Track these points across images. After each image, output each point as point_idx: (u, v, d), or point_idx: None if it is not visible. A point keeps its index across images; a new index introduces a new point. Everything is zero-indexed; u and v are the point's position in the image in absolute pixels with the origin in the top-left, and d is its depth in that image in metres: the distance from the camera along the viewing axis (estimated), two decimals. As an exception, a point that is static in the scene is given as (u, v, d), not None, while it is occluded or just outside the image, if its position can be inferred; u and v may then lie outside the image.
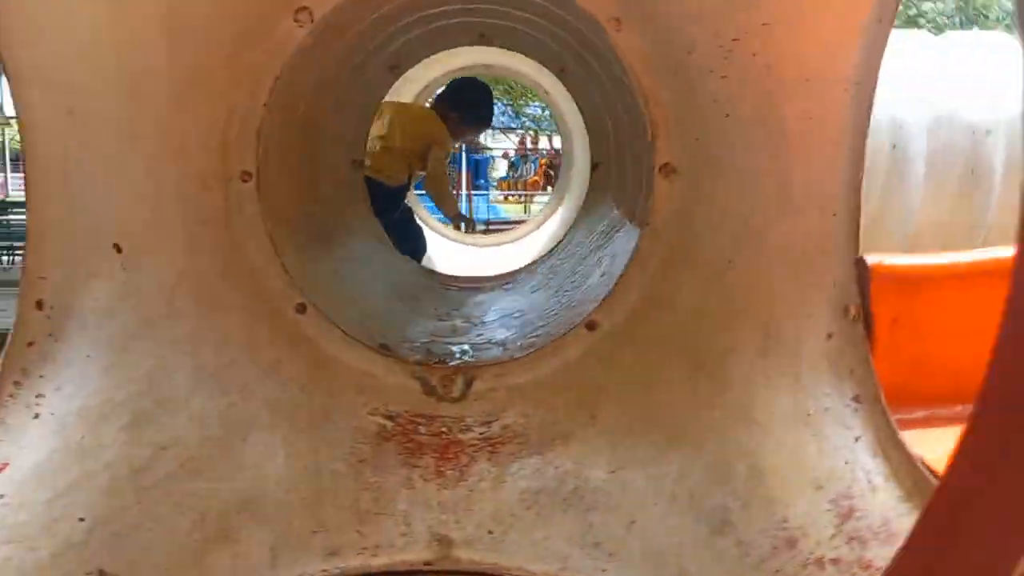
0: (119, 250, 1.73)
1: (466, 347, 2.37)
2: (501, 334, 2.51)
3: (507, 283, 3.42)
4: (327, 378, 1.93)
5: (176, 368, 1.73)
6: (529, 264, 3.55)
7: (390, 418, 1.91)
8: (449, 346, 2.42)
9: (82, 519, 1.50)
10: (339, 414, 1.87)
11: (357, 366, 2.00)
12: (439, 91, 4.70)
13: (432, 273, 3.56)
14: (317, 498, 1.77)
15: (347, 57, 2.71)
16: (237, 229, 1.95)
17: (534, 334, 2.42)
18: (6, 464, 1.49)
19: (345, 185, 3.28)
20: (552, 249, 3.54)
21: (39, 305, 1.65)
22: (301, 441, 1.79)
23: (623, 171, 3.00)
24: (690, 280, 1.86)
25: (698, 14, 1.75)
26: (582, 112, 3.66)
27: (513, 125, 23.83)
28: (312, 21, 1.90)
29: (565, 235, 3.58)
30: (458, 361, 2.29)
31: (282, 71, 1.93)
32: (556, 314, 2.49)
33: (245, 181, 1.95)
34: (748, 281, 1.76)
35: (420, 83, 4.72)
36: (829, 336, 1.77)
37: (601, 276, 2.43)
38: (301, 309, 2.00)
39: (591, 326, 2.00)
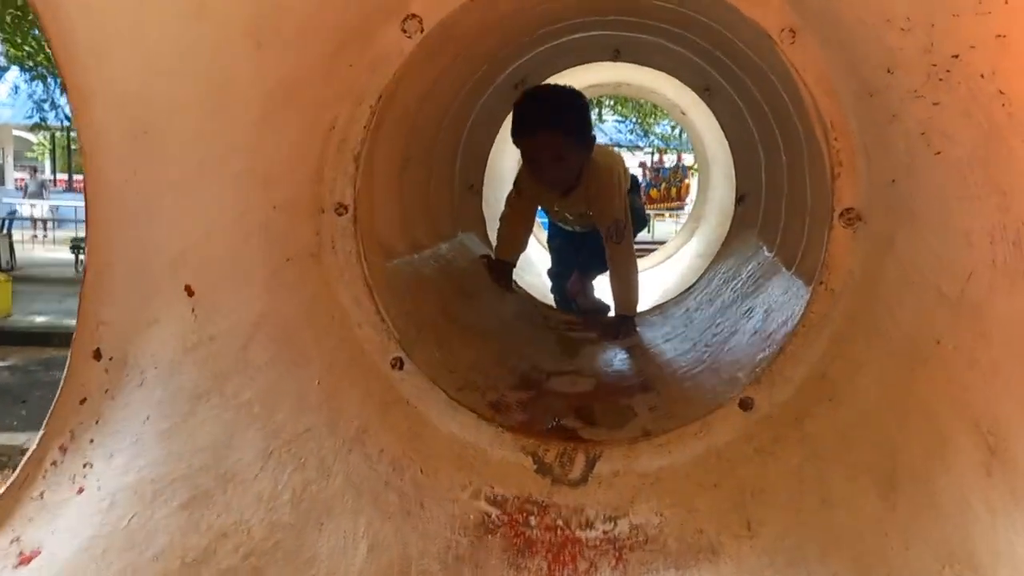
0: (190, 292, 1.49)
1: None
2: (628, 397, 2.16)
3: (638, 325, 3.05)
4: (423, 451, 1.63)
5: (246, 435, 1.47)
6: (660, 304, 3.18)
7: (496, 504, 1.59)
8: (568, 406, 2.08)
9: (121, 623, 1.24)
10: (435, 497, 1.56)
11: (460, 435, 1.69)
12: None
13: (551, 311, 3.23)
14: (403, 602, 1.47)
15: (466, 71, 2.44)
16: (328, 269, 1.69)
17: (670, 399, 2.05)
18: (37, 552, 1.25)
19: (460, 214, 3.01)
20: (688, 288, 3.15)
21: (96, 355, 1.42)
22: (387, 530, 1.49)
23: (776, 207, 2.59)
24: (878, 359, 1.46)
25: (905, 22, 1.35)
26: (728, 137, 3.27)
27: (641, 144, 23.34)
28: (422, 31, 1.62)
29: (702, 275, 3.18)
30: (579, 426, 1.95)
31: (387, 88, 1.66)
32: (695, 377, 2.11)
33: (340, 214, 1.69)
34: (961, 369, 1.33)
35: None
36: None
37: (753, 335, 2.04)
38: (397, 364, 1.72)
39: (746, 404, 1.62)
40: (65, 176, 29.70)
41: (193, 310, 1.49)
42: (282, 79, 1.48)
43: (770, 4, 1.61)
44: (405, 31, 1.62)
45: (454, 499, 1.57)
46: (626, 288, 2.86)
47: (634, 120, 21.46)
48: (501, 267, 2.99)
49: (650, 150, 22.48)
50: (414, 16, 1.61)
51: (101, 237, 1.44)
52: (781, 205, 2.46)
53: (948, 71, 1.31)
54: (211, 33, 1.39)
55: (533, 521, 1.57)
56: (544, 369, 2.41)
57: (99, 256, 1.44)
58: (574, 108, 2.74)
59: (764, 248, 2.63)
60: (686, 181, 20.67)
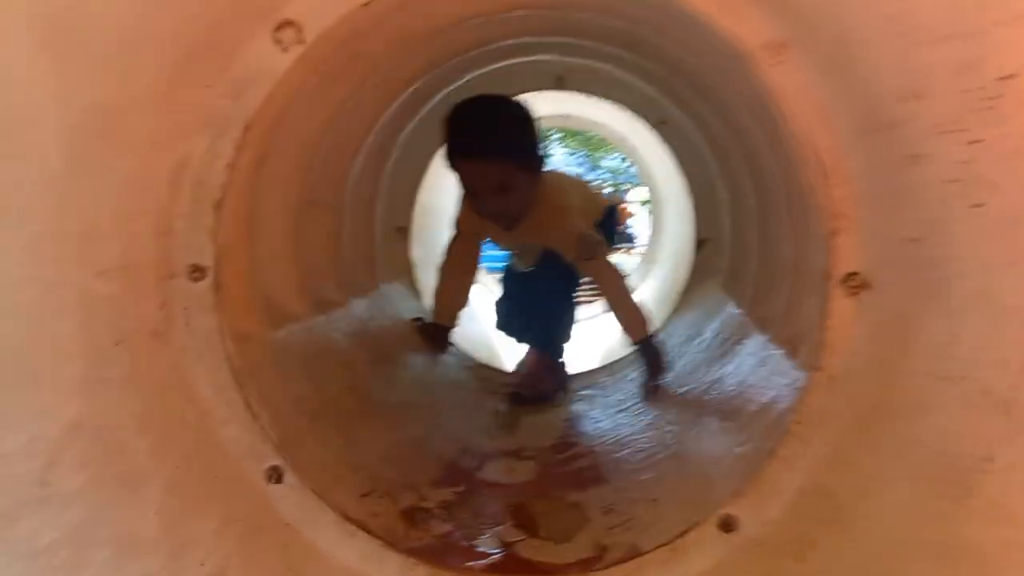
0: (-31, 396, 1.07)
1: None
2: (577, 489, 1.77)
3: (583, 387, 2.68)
4: (305, 596, 1.23)
5: (42, 599, 1.05)
6: (609, 364, 2.81)
7: (398, 671, 1.19)
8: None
9: None
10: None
11: (358, 569, 1.30)
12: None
13: (488, 374, 2.84)
14: None
15: (381, 98, 2.06)
16: (179, 351, 1.28)
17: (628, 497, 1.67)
18: None
19: (383, 262, 2.62)
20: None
21: None
22: None
23: (744, 256, 2.25)
24: (904, 478, 1.10)
25: (935, 32, 1.02)
26: (685, 175, 2.94)
27: (589, 178, 23.22)
28: (303, 42, 1.24)
29: (658, 330, 2.82)
30: (517, 539, 1.56)
31: (258, 115, 1.27)
32: (657, 465, 1.74)
33: (196, 279, 1.29)
34: (1022, 500, 0.99)
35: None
36: None
37: (725, 419, 1.68)
38: (274, 475, 1.32)
39: (728, 525, 1.26)
40: None
41: (-27, 420, 1.07)
42: (97, 106, 1.08)
43: (748, 15, 1.27)
44: (279, 42, 1.24)
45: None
46: (630, 305, 2.30)
47: (584, 153, 21.33)
48: (438, 332, 2.56)
49: (599, 184, 22.33)
50: (290, 23, 1.23)
51: None
52: (750, 257, 2.13)
53: (996, 97, 0.96)
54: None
55: None
56: (477, 451, 2.02)
57: None
58: (520, 124, 2.21)
59: (731, 304, 2.29)
60: (623, 206, 20.30)
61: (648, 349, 2.27)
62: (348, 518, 1.33)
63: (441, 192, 3.49)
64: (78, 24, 1.02)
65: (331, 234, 2.17)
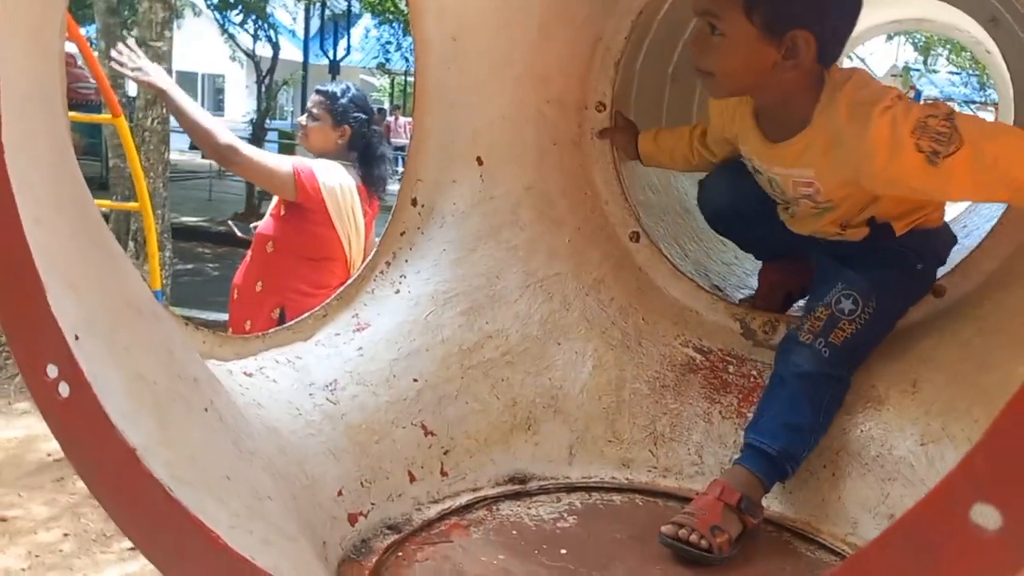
0: (480, 162, 1.98)
1: (801, 302, 2.27)
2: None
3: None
4: (647, 304, 2.01)
5: (511, 271, 1.94)
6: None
7: (701, 352, 1.94)
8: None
9: (415, 380, 1.78)
10: (651, 339, 1.94)
11: (680, 300, 2.05)
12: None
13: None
14: (616, 411, 1.88)
15: None
16: (586, 155, 2.11)
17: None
18: (367, 325, 1.83)
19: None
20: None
21: (413, 202, 1.97)
22: (609, 356, 1.91)
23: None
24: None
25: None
26: (1012, 71, 3.18)
27: (976, 98, 21.06)
28: (679, -41, 1.95)
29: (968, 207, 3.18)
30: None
31: (646, 5, 2.02)
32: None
33: (599, 111, 2.09)
34: None
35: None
36: None
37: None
38: (635, 237, 2.10)
39: (938, 292, 1.81)
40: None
41: (481, 176, 1.99)
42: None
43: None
44: (663, -41, 1.96)
45: (667, 344, 1.94)
46: None
47: (971, 72, 19.43)
48: (627, 134, 2.08)
49: (983, 104, 20.16)
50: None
51: (421, 116, 1.98)
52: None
53: None
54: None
55: (731, 369, 1.90)
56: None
57: (421, 130, 1.98)
58: None
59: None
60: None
61: None
62: (678, 270, 2.08)
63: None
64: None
65: (685, 105, 2.88)
